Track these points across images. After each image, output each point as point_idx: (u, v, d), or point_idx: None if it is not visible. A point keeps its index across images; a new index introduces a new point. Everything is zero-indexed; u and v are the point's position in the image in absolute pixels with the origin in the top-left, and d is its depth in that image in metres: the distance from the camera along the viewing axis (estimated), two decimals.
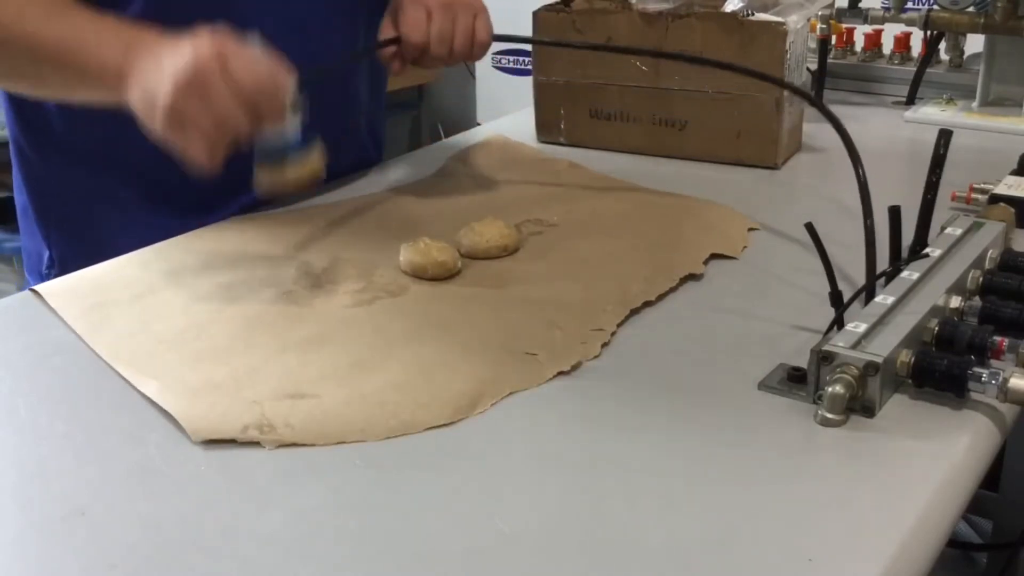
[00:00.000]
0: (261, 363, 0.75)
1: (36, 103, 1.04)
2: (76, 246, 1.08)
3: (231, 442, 0.66)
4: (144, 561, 0.56)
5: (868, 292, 0.76)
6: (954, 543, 1.67)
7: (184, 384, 0.72)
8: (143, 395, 0.71)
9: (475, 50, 1.04)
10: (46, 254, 1.10)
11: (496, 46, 1.20)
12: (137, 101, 0.82)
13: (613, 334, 0.79)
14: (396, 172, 1.22)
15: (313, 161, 0.81)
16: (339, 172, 1.16)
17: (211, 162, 0.80)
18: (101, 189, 1.07)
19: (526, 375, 0.73)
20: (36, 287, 0.88)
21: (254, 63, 0.79)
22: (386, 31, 1.04)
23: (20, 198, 1.12)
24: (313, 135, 0.82)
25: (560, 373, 0.74)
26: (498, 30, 1.10)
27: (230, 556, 0.56)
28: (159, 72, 0.79)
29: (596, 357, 0.76)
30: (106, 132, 1.03)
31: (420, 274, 0.89)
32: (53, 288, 0.88)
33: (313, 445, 0.66)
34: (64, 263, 1.07)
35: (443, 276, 0.89)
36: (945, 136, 0.87)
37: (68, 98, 0.93)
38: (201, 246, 0.97)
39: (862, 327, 0.70)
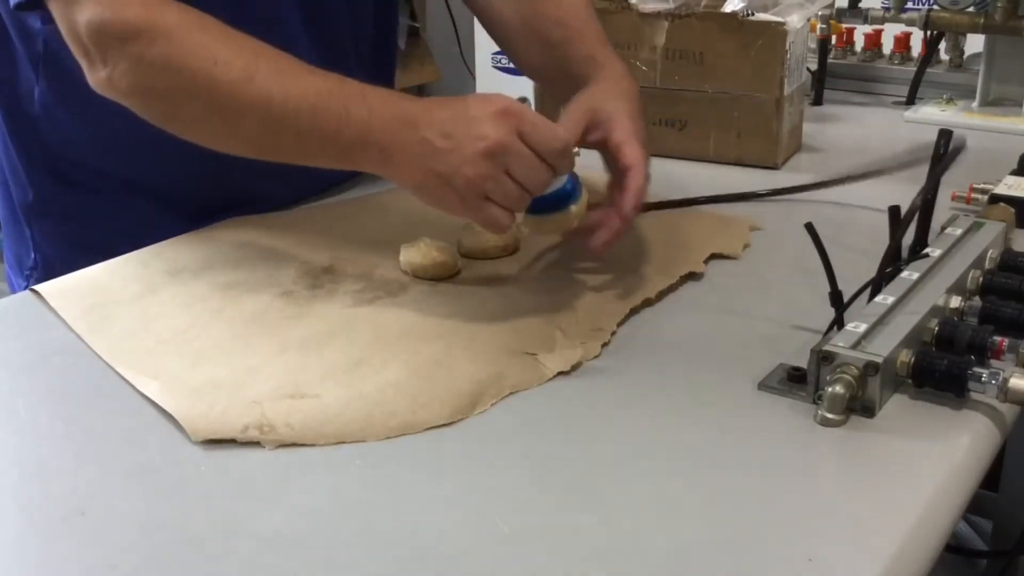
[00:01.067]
0: (261, 363, 0.75)
1: (31, 118, 1.02)
2: (64, 249, 1.06)
3: (231, 442, 0.66)
4: (144, 561, 0.56)
5: (874, 288, 0.77)
6: (953, 548, 1.66)
7: (184, 384, 0.72)
8: (143, 395, 0.71)
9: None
10: (31, 257, 1.09)
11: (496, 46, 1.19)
12: (414, 181, 0.80)
13: (613, 333, 0.79)
14: None
15: (578, 209, 0.83)
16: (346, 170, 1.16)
17: (506, 227, 0.80)
18: (99, 200, 1.06)
19: (526, 375, 0.73)
20: (36, 287, 0.88)
21: (546, 124, 0.78)
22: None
23: (5, 202, 1.11)
24: (579, 185, 0.83)
25: (560, 373, 0.74)
26: None
27: (230, 556, 0.56)
28: (455, 152, 0.77)
29: (596, 357, 0.76)
30: (115, 153, 1.03)
31: (420, 274, 0.89)
32: (53, 288, 0.88)
33: (313, 445, 0.66)
34: (50, 266, 1.06)
35: (443, 276, 0.89)
36: (945, 136, 0.87)
37: (299, 162, 0.84)
38: (201, 246, 0.97)
39: (862, 327, 0.70)
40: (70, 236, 1.07)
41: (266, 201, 1.07)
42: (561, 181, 0.80)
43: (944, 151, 0.88)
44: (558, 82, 0.98)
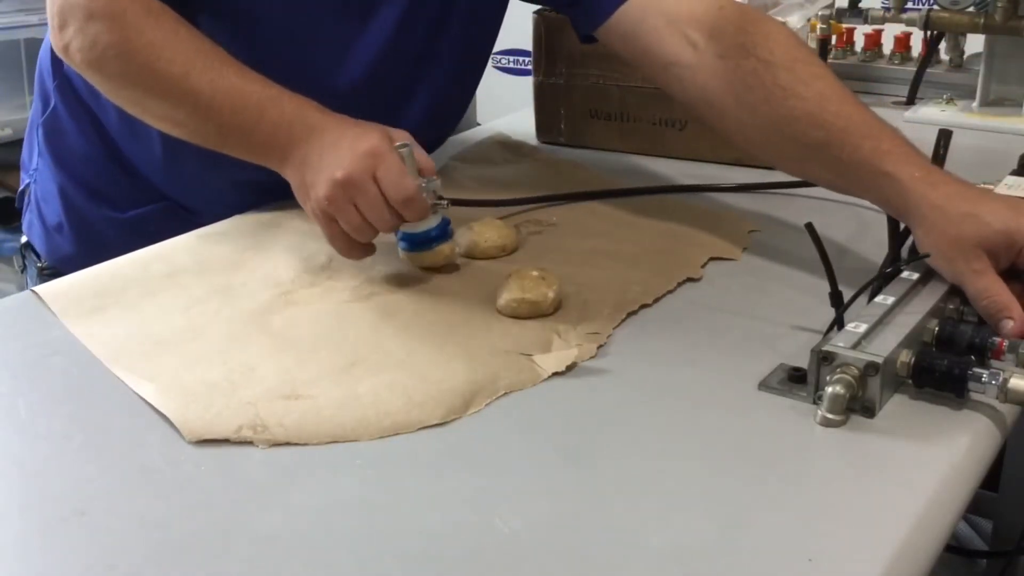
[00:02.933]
0: (257, 364, 0.75)
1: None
2: (51, 184, 1.12)
3: (229, 443, 0.66)
4: (144, 561, 0.56)
5: (874, 291, 0.76)
6: (953, 548, 1.66)
7: (180, 385, 0.72)
8: (146, 400, 0.71)
9: None
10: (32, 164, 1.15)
11: (496, 45, 1.19)
12: (293, 182, 0.89)
13: (609, 336, 0.79)
14: None
15: (443, 252, 0.90)
16: None
17: (354, 254, 0.88)
18: (97, 156, 1.10)
19: (521, 376, 0.73)
20: (36, 288, 0.88)
21: (402, 176, 0.84)
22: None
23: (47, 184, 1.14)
24: (449, 228, 0.90)
25: (556, 374, 0.74)
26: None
27: (230, 556, 0.56)
28: (319, 169, 0.85)
29: (593, 358, 0.76)
30: (128, 132, 1.06)
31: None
32: (53, 289, 0.88)
33: (307, 444, 0.66)
34: (41, 194, 1.13)
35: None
36: (945, 136, 0.87)
37: (221, 151, 0.93)
38: (200, 247, 0.97)
39: (862, 327, 0.70)
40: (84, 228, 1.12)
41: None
42: (429, 223, 0.87)
43: (944, 152, 0.88)
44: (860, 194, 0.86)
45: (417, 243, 0.89)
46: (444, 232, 0.89)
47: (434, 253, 0.89)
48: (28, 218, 1.17)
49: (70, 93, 1.09)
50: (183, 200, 1.09)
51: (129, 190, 1.09)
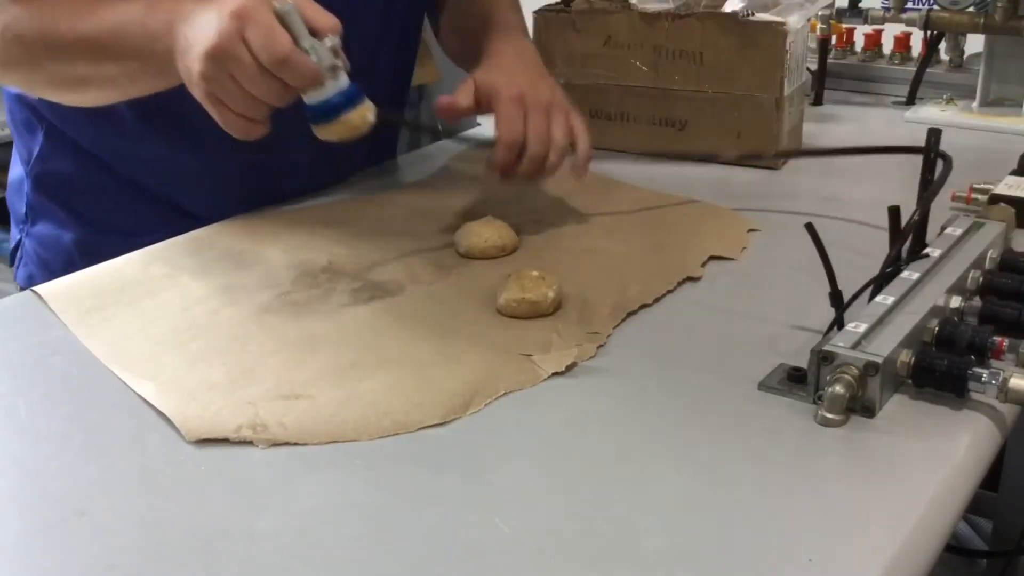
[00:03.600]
0: (257, 364, 0.75)
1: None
2: (53, 224, 1.10)
3: (230, 443, 0.66)
4: (144, 561, 0.56)
5: (874, 291, 0.77)
6: (953, 548, 1.67)
7: (180, 385, 0.72)
8: (146, 400, 0.71)
9: (579, 145, 1.00)
10: (21, 209, 1.13)
11: None
12: (183, 74, 0.81)
13: (609, 336, 0.79)
14: (396, 172, 1.22)
15: (355, 117, 0.81)
16: (356, 167, 1.18)
17: (250, 133, 0.80)
18: (94, 184, 1.09)
19: (521, 376, 0.73)
20: (36, 288, 0.88)
21: (272, 32, 0.76)
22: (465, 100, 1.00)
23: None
24: (358, 90, 0.81)
25: (555, 374, 0.74)
26: None
27: (230, 556, 0.56)
28: (190, 45, 0.79)
29: (592, 358, 0.76)
30: (116, 141, 1.05)
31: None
32: (53, 289, 0.88)
33: (306, 444, 0.66)
34: (40, 237, 1.10)
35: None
36: (935, 135, 0.88)
37: (137, 90, 0.91)
38: (199, 247, 0.97)
39: (862, 327, 0.70)
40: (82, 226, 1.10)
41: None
42: (328, 91, 0.79)
43: (935, 152, 0.88)
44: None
45: (318, 114, 0.80)
46: (349, 98, 0.80)
47: (341, 124, 0.81)
48: (25, 271, 1.13)
49: (55, 133, 1.07)
50: (190, 206, 1.07)
51: (142, 211, 1.07)
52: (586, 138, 1.01)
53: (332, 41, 0.78)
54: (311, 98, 0.79)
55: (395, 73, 1.16)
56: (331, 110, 0.79)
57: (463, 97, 0.99)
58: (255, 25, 0.76)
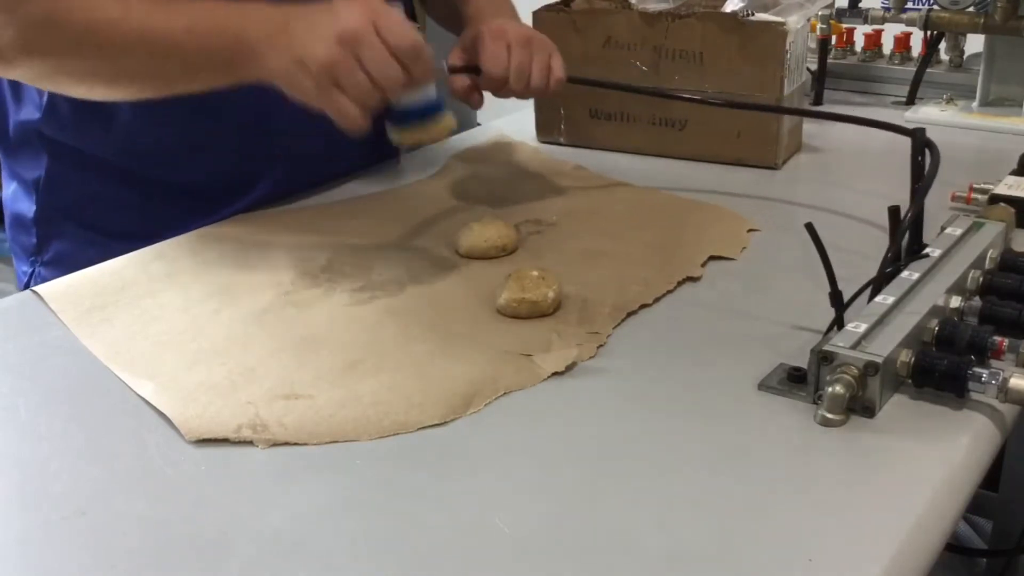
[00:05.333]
0: (257, 364, 0.75)
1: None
2: (72, 244, 1.08)
3: (230, 443, 0.66)
4: (144, 561, 0.56)
5: (874, 288, 0.77)
6: (953, 548, 1.67)
7: (180, 385, 0.72)
8: (146, 399, 0.71)
9: (551, 86, 1.02)
10: (32, 242, 1.11)
11: None
12: (281, 71, 0.83)
13: (608, 336, 0.79)
14: (397, 171, 1.22)
15: (446, 122, 0.84)
16: (358, 165, 1.18)
17: (363, 120, 0.82)
18: (106, 191, 1.08)
19: (521, 375, 0.73)
20: (36, 288, 0.88)
21: (404, 24, 0.81)
22: (457, 60, 1.02)
23: (14, 203, 1.12)
24: (445, 99, 0.86)
25: (556, 374, 0.74)
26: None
27: (230, 556, 0.56)
28: (312, 35, 0.81)
29: (592, 358, 0.76)
30: (118, 136, 1.05)
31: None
32: (53, 289, 0.88)
33: (306, 444, 0.66)
34: (58, 259, 1.08)
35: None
36: (920, 133, 0.88)
37: (183, 89, 0.91)
38: (200, 247, 0.97)
39: (862, 327, 0.70)
40: (77, 233, 1.09)
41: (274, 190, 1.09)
42: (424, 95, 0.82)
43: (922, 155, 0.88)
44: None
45: (421, 113, 0.83)
46: (441, 103, 0.84)
47: (439, 125, 0.84)
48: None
49: (61, 153, 1.06)
50: (203, 186, 1.07)
51: (157, 212, 1.06)
52: (561, 78, 1.03)
53: (429, 51, 0.83)
54: (416, 97, 0.82)
55: None
56: (432, 110, 0.83)
57: (453, 57, 1.01)
58: (386, 15, 0.81)
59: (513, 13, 1.14)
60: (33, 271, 1.12)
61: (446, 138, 0.86)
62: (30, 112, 1.06)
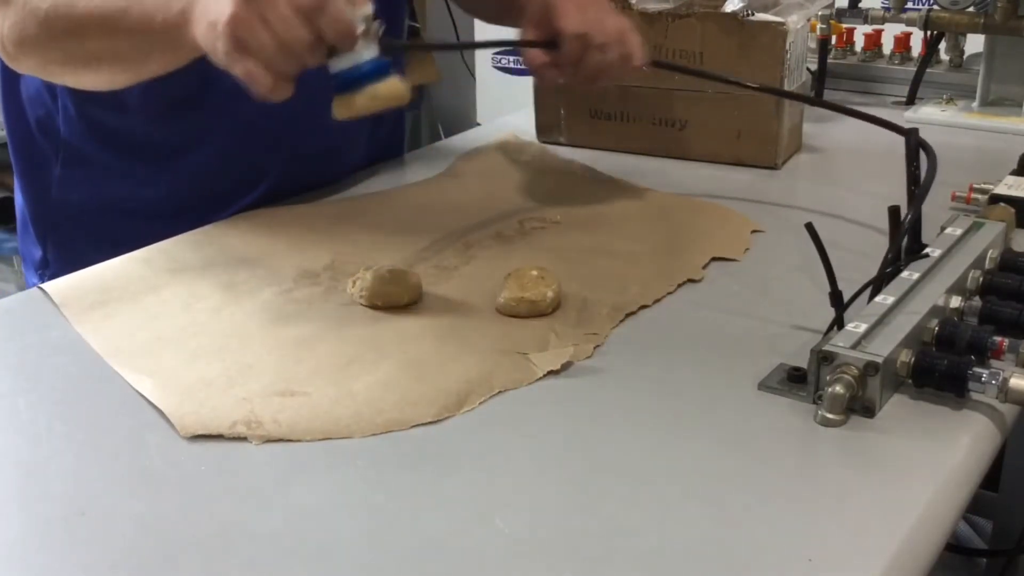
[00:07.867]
0: (255, 361, 0.75)
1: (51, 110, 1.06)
2: (72, 247, 1.09)
3: (231, 442, 0.66)
4: (144, 561, 0.56)
5: (874, 288, 0.77)
6: (953, 548, 1.67)
7: (177, 381, 0.73)
8: (143, 395, 0.71)
9: (634, 53, 1.01)
10: (39, 254, 1.11)
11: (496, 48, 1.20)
12: (202, 36, 0.78)
13: (607, 337, 0.79)
14: (399, 171, 1.22)
15: (390, 89, 0.77)
16: (361, 164, 1.18)
17: (276, 91, 0.76)
18: (109, 195, 1.08)
19: (516, 374, 0.73)
20: (42, 285, 0.88)
21: None
22: (530, 35, 1.00)
23: (19, 202, 1.12)
24: (389, 62, 0.77)
25: (551, 373, 0.74)
26: (497, 31, 1.09)
27: (230, 556, 0.56)
28: None
29: (589, 358, 0.76)
30: (119, 136, 1.05)
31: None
32: (57, 286, 0.88)
33: (300, 441, 0.66)
34: (60, 263, 1.08)
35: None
36: (913, 133, 0.88)
37: (148, 70, 0.90)
38: (203, 245, 0.97)
39: (862, 327, 0.70)
40: (79, 237, 1.09)
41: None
42: (352, 59, 0.75)
43: (915, 154, 0.88)
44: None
45: (345, 82, 0.76)
46: (380, 68, 0.76)
47: (367, 96, 0.76)
48: None
49: (75, 160, 1.06)
50: (200, 201, 1.07)
51: (168, 214, 1.06)
52: (639, 46, 1.02)
53: (365, 11, 0.75)
54: (341, 62, 0.75)
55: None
56: (361, 78, 0.75)
57: (525, 33, 1.00)
58: None
59: None
60: (43, 278, 1.12)
61: (396, 103, 0.76)
62: (42, 113, 1.06)
